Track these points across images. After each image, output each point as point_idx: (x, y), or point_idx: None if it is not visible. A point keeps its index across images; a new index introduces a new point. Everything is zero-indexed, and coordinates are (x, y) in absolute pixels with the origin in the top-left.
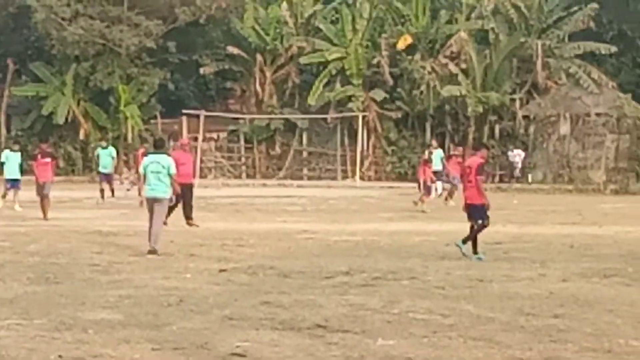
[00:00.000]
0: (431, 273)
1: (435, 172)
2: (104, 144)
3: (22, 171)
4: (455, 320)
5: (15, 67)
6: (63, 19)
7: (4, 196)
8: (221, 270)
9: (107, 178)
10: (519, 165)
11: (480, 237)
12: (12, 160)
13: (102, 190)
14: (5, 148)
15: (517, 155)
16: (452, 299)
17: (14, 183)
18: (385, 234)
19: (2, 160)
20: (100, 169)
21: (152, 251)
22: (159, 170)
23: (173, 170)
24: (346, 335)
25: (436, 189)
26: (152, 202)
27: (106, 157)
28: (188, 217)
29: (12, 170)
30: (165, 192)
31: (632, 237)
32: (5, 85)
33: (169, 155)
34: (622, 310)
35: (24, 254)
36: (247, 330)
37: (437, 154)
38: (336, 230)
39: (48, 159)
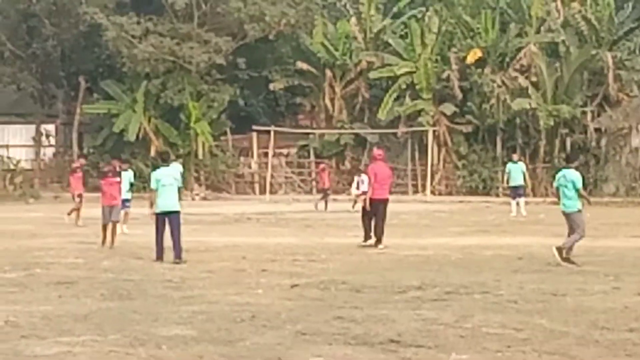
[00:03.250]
0: (504, 287)
1: (515, 187)
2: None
3: (133, 191)
4: (528, 335)
5: (86, 85)
6: (133, 36)
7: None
8: (293, 286)
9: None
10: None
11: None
12: (124, 179)
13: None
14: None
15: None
16: (525, 313)
17: (124, 203)
18: (457, 248)
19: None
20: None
21: (182, 261)
22: (171, 183)
23: (181, 183)
24: (419, 350)
25: (518, 204)
26: (164, 216)
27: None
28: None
29: (123, 190)
30: (177, 204)
31: None
32: (78, 103)
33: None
34: None
35: (97, 271)
36: (320, 345)
37: (517, 168)
38: (408, 244)
39: (119, 179)
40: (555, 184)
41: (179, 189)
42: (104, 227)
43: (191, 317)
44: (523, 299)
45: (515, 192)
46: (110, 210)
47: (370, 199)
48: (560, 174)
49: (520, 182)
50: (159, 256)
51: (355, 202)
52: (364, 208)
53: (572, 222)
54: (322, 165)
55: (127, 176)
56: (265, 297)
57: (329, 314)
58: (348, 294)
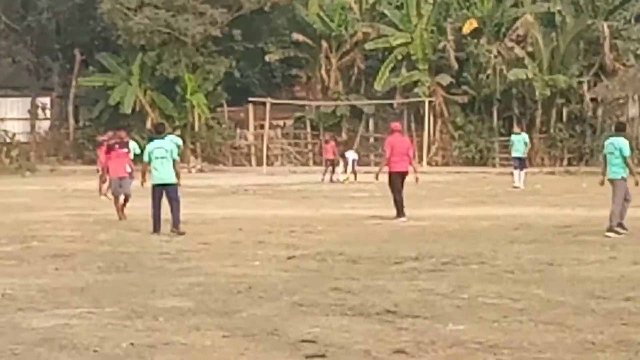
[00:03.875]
0: (500, 257)
1: (517, 159)
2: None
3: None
4: (525, 305)
5: (82, 58)
6: (129, 8)
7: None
8: (290, 257)
9: None
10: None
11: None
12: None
13: None
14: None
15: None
16: (522, 283)
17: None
18: (453, 218)
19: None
20: None
21: (181, 233)
22: (164, 156)
23: (176, 155)
24: (416, 321)
25: (520, 176)
26: (161, 189)
27: None
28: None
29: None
30: (172, 176)
31: None
32: (73, 75)
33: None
34: None
35: (94, 243)
36: (317, 316)
37: (520, 138)
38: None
39: (127, 150)
40: (603, 152)
41: (174, 161)
42: (117, 200)
43: (188, 289)
44: (520, 269)
45: (517, 162)
46: (121, 182)
47: (390, 172)
48: (608, 141)
49: (522, 153)
50: (156, 229)
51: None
52: (391, 183)
53: (615, 189)
54: (326, 138)
55: (132, 147)
56: (262, 268)
57: (326, 285)
58: (345, 265)
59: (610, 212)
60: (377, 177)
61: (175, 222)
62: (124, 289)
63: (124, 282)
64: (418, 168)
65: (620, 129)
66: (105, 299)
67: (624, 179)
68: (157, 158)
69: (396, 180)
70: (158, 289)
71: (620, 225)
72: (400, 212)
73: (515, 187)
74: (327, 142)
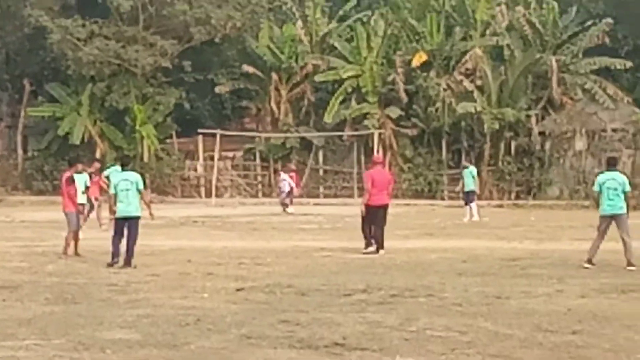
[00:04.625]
0: (448, 290)
1: (468, 193)
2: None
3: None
4: (473, 337)
5: (31, 88)
6: (78, 39)
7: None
8: (238, 289)
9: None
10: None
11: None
12: (78, 182)
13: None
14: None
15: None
16: (469, 316)
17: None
18: (402, 251)
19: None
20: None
21: (132, 267)
22: (128, 188)
23: (141, 186)
24: (364, 353)
25: (471, 210)
26: (124, 221)
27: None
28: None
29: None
30: (137, 209)
31: None
32: (22, 106)
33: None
34: None
35: (42, 274)
36: (265, 349)
37: (467, 172)
38: (353, 247)
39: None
40: (597, 187)
41: (141, 192)
42: (76, 234)
43: (136, 321)
44: (467, 302)
45: (467, 197)
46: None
47: (368, 205)
48: (606, 176)
49: (471, 187)
50: (115, 261)
51: (286, 205)
52: (367, 216)
53: (623, 224)
54: (292, 168)
55: (83, 179)
56: (211, 300)
57: (274, 317)
58: (293, 297)
59: (626, 247)
60: (362, 212)
61: (130, 256)
62: (72, 321)
63: (72, 314)
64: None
65: (612, 164)
66: (53, 331)
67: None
68: (122, 190)
69: (374, 214)
70: (106, 320)
71: (590, 260)
72: (368, 244)
73: (473, 221)
74: (292, 171)
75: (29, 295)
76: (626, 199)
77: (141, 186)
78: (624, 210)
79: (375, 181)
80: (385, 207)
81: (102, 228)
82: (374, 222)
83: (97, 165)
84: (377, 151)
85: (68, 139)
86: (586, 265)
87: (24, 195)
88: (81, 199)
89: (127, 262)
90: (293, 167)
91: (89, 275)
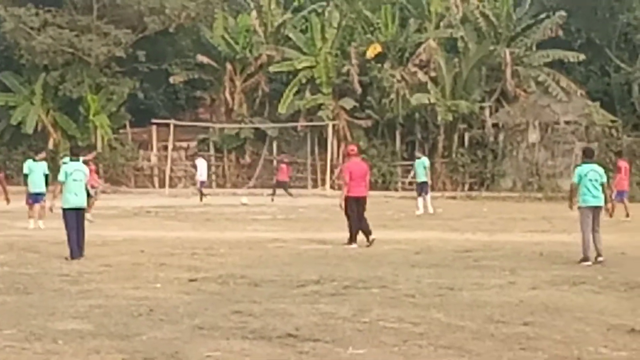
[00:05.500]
0: (401, 281)
1: (419, 184)
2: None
3: (47, 183)
4: (425, 329)
5: None
6: (32, 28)
7: (31, 215)
8: (191, 280)
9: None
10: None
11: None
12: (37, 171)
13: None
14: (28, 158)
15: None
16: (422, 307)
17: (37, 197)
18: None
19: (26, 171)
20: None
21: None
22: (81, 179)
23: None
24: (317, 344)
25: (424, 203)
26: (76, 212)
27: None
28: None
29: (36, 182)
30: (85, 200)
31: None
32: None
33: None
34: (592, 318)
35: None
36: (218, 339)
37: (420, 163)
38: (306, 238)
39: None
40: (577, 179)
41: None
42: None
43: (88, 312)
44: (420, 294)
45: (420, 188)
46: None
47: (347, 197)
48: (586, 168)
49: (423, 178)
50: (76, 254)
51: (202, 194)
52: (346, 208)
53: (598, 216)
54: (282, 159)
55: (42, 168)
56: (164, 291)
57: (227, 308)
58: (246, 288)
59: (598, 239)
60: (341, 206)
61: (83, 248)
62: (24, 311)
63: (23, 304)
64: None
65: (589, 156)
66: (4, 321)
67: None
68: (75, 181)
69: (353, 206)
70: (58, 311)
71: (587, 258)
72: (353, 239)
73: (418, 215)
74: (282, 162)
75: None
76: (604, 190)
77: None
78: (603, 202)
79: (352, 173)
80: (363, 199)
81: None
82: (354, 214)
83: (94, 153)
84: (332, 143)
85: (21, 128)
86: (586, 263)
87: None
88: (41, 188)
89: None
90: (286, 159)
91: (41, 265)
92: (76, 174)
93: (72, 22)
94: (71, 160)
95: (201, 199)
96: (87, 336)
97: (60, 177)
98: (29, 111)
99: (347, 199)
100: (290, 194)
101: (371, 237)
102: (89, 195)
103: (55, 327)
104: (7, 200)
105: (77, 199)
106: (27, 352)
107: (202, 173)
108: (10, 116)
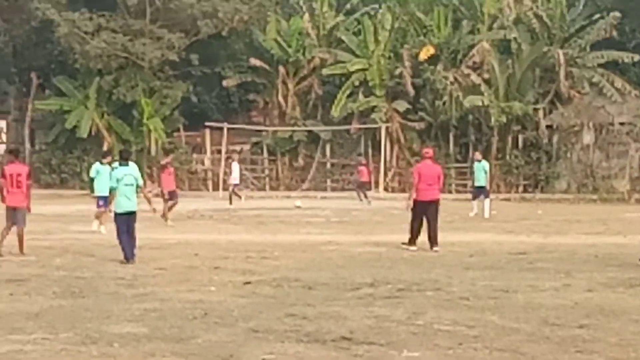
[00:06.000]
0: (455, 284)
1: (479, 188)
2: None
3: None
4: (480, 332)
5: (38, 81)
6: (86, 32)
7: (98, 217)
8: (246, 283)
9: None
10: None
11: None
12: (105, 174)
13: None
14: (96, 161)
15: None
16: (476, 310)
17: (106, 200)
18: None
19: (93, 175)
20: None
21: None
22: (132, 183)
23: (141, 182)
24: (371, 347)
25: (482, 207)
26: (128, 216)
27: None
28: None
29: (104, 186)
30: (136, 204)
31: None
32: (29, 99)
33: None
34: None
35: (49, 268)
36: (273, 342)
37: (480, 167)
38: (360, 241)
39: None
40: None
41: (140, 187)
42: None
43: (143, 315)
44: (474, 296)
45: (478, 192)
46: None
47: (416, 201)
48: None
49: (483, 182)
50: (130, 256)
51: (236, 195)
52: (413, 209)
53: None
54: (362, 161)
55: (107, 172)
56: (218, 294)
57: (281, 311)
58: (300, 291)
59: None
60: (407, 208)
61: (134, 249)
62: (79, 315)
63: (79, 308)
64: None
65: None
66: (60, 325)
67: None
68: (126, 185)
69: (423, 209)
70: (113, 314)
71: None
72: (412, 241)
73: (484, 217)
74: (360, 165)
75: (36, 289)
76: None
77: (140, 181)
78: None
79: (422, 175)
80: (436, 202)
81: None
82: (424, 217)
83: (171, 157)
84: (385, 145)
85: (75, 132)
86: None
87: (31, 189)
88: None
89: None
90: (364, 161)
91: (96, 269)
92: (127, 178)
93: (125, 26)
94: (120, 165)
95: (230, 202)
96: (143, 339)
97: (112, 183)
98: (84, 115)
99: (416, 202)
100: (366, 197)
101: (435, 248)
102: (171, 198)
103: (110, 330)
104: (29, 208)
105: (129, 203)
106: (83, 355)
107: (235, 176)
108: (65, 120)
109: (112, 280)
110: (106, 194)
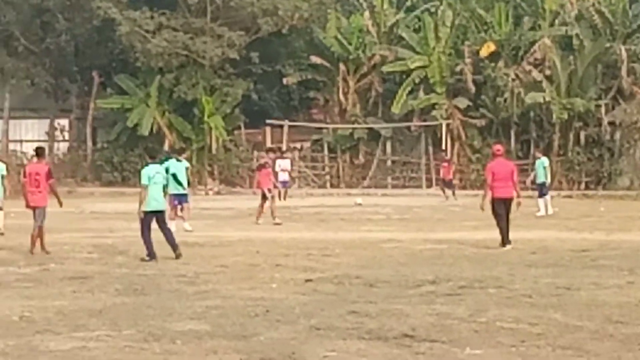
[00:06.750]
0: (518, 281)
1: (540, 185)
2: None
3: (190, 183)
4: (543, 329)
5: (100, 80)
6: (147, 31)
7: (173, 218)
8: (307, 280)
9: None
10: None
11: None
12: (181, 171)
13: None
14: (168, 157)
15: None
16: (539, 308)
17: (181, 198)
18: (471, 242)
19: (172, 171)
20: None
21: (180, 255)
22: (162, 181)
23: (166, 180)
24: (434, 345)
25: (545, 204)
26: (154, 215)
27: None
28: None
29: (181, 183)
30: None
31: None
32: (91, 98)
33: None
34: None
35: (111, 265)
36: (335, 340)
37: (539, 163)
38: (421, 238)
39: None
40: None
41: (164, 186)
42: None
43: (205, 312)
44: (537, 293)
45: (539, 189)
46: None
47: (493, 199)
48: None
49: (543, 178)
50: (154, 254)
51: (286, 194)
52: (493, 210)
53: None
54: (445, 158)
55: (184, 167)
56: (279, 291)
57: (343, 308)
58: (362, 288)
59: None
60: (482, 208)
61: (176, 245)
62: (142, 312)
63: (142, 305)
64: (521, 193)
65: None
66: (123, 322)
67: None
68: (156, 184)
69: (498, 207)
70: (175, 312)
71: None
72: (505, 240)
73: (538, 216)
74: (443, 161)
75: (99, 287)
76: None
77: (166, 180)
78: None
79: (496, 174)
80: (509, 200)
81: (275, 221)
82: (503, 215)
83: (271, 155)
84: (445, 142)
85: (137, 130)
86: None
87: (93, 187)
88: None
89: (180, 253)
90: (447, 156)
91: (158, 266)
92: (157, 177)
93: (186, 24)
94: (151, 163)
95: (285, 198)
96: (205, 336)
97: (144, 180)
98: (145, 113)
99: (493, 200)
100: (445, 195)
101: (507, 245)
102: (265, 198)
103: (173, 327)
104: (60, 203)
105: (157, 203)
106: (145, 352)
107: (284, 175)
108: (127, 118)
109: (173, 277)
110: (184, 191)
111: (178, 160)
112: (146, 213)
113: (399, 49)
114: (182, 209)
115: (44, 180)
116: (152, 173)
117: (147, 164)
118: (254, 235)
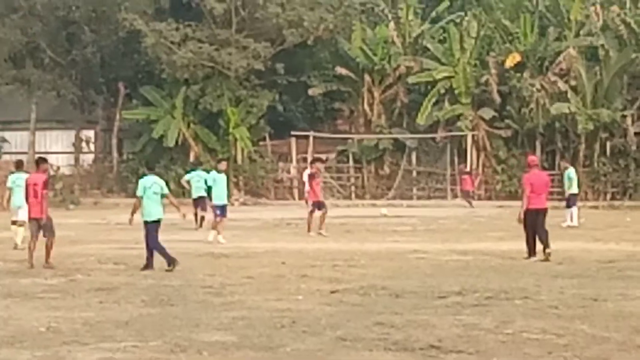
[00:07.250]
0: (544, 292)
1: (568, 195)
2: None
3: (229, 195)
4: (569, 340)
5: (126, 91)
6: (172, 42)
7: (215, 226)
8: (333, 291)
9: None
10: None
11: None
12: (221, 182)
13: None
14: (210, 169)
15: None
16: (566, 319)
17: (222, 209)
18: (497, 253)
19: (210, 183)
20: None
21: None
22: (158, 192)
23: (166, 190)
24: (460, 356)
25: (571, 216)
26: (158, 224)
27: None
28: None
29: (219, 194)
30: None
31: None
32: (117, 109)
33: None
34: None
35: (137, 277)
36: (361, 351)
37: (567, 174)
38: (447, 249)
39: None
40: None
41: (166, 195)
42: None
43: (231, 323)
44: (564, 304)
45: (567, 199)
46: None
47: (528, 209)
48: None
49: (569, 189)
50: (174, 262)
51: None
52: (524, 221)
53: None
54: (465, 170)
55: (224, 180)
56: (306, 302)
57: (369, 319)
58: (388, 299)
59: None
60: (519, 220)
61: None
62: (168, 323)
63: (168, 316)
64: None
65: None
66: (149, 333)
67: None
68: (155, 193)
69: (534, 218)
70: (202, 322)
71: None
72: (532, 252)
73: (564, 227)
74: (463, 173)
75: (125, 297)
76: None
77: (166, 190)
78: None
79: (533, 185)
80: (544, 211)
81: (310, 233)
82: (533, 227)
83: (318, 165)
84: (471, 153)
85: (162, 141)
86: None
87: (119, 198)
88: (222, 200)
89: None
90: (466, 169)
91: (184, 277)
92: (155, 187)
93: (211, 36)
94: (148, 174)
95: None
96: (231, 347)
97: (139, 192)
98: (170, 125)
99: (527, 212)
100: (471, 204)
101: (548, 250)
102: (319, 208)
103: (199, 338)
104: (48, 218)
105: (157, 211)
106: None
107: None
108: (152, 130)
109: (200, 288)
110: (224, 202)
111: (218, 171)
112: (150, 223)
113: (424, 60)
114: (221, 221)
115: (41, 191)
116: (149, 183)
117: (144, 175)
118: (279, 246)
